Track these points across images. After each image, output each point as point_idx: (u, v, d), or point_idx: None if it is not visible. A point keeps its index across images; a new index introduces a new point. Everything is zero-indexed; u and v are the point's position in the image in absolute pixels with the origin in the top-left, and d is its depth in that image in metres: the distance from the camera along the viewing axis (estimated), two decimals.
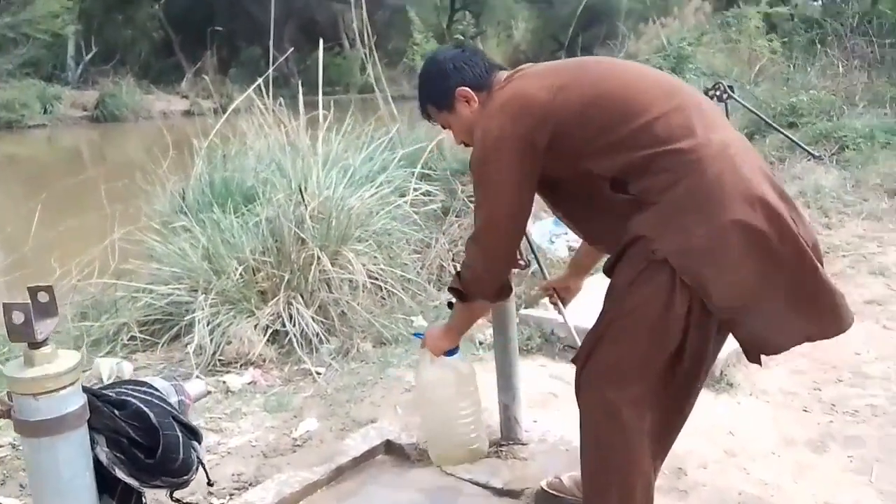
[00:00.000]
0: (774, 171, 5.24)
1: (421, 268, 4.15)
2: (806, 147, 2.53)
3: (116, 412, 1.14)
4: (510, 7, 23.72)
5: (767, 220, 1.34)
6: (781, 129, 2.44)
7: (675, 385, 1.44)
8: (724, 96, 1.88)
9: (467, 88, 1.62)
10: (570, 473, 1.86)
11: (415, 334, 2.03)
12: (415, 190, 4.40)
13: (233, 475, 2.20)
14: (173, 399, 1.25)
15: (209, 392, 2.20)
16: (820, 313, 1.43)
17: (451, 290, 1.72)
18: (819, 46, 8.29)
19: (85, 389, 1.10)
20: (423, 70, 1.71)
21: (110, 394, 1.17)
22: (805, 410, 2.39)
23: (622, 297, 1.41)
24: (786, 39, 8.65)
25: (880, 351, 2.85)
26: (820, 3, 10.56)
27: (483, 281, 1.64)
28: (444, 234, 4.56)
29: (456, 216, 4.69)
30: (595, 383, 1.47)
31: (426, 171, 4.85)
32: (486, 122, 1.52)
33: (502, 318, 2.02)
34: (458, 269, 1.68)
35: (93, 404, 1.11)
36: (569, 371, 2.71)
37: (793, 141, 2.32)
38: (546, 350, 2.81)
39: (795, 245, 1.38)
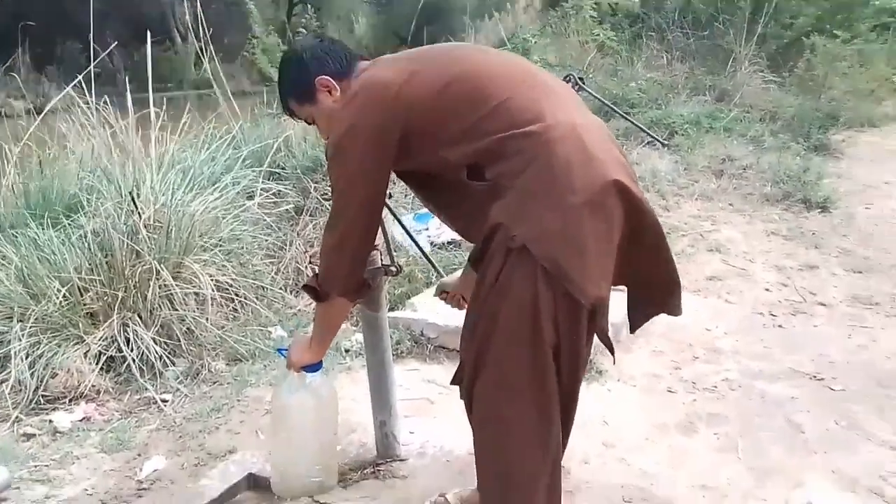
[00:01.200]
0: None
1: (276, 273, 3.89)
2: (654, 136, 2.60)
3: None
4: (349, 2, 23.45)
5: (620, 201, 1.33)
6: (631, 119, 2.49)
7: (561, 383, 1.36)
8: (576, 88, 1.87)
9: (328, 78, 1.52)
10: (455, 491, 1.76)
11: (278, 350, 1.81)
12: (264, 191, 4.13)
13: None
14: None
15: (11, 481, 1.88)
16: (669, 291, 1.49)
17: (305, 287, 1.61)
18: (644, 40, 8.81)
19: None
20: (282, 62, 1.61)
21: None
22: (670, 391, 2.45)
23: (492, 300, 1.33)
24: (612, 34, 9.14)
25: (727, 325, 3.00)
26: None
27: (337, 276, 1.54)
28: (298, 235, 4.32)
29: (310, 216, 4.47)
30: (488, 401, 1.38)
31: (275, 171, 4.58)
32: (340, 111, 1.46)
33: (374, 329, 1.86)
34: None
35: None
36: (442, 374, 2.62)
37: (642, 129, 2.38)
38: (417, 353, 2.69)
39: (651, 220, 1.39)
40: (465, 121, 1.36)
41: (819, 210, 4.52)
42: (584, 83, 2.16)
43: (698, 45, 8.68)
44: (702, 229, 4.23)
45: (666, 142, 2.36)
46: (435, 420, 2.23)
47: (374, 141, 1.40)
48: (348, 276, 1.55)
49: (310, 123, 1.61)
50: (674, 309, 1.50)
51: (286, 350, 1.68)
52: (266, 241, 3.93)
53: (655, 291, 1.48)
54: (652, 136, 2.51)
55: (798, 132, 6.39)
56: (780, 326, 2.99)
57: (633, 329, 1.54)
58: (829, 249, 3.91)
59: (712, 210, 4.60)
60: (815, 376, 2.54)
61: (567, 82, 1.88)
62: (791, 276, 3.51)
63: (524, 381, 1.33)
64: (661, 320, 3.01)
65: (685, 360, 2.66)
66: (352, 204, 1.46)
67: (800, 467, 2.00)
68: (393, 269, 1.84)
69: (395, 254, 2.08)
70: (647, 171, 5.12)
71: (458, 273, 1.95)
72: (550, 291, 1.28)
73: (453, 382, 1.50)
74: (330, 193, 1.52)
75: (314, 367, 1.67)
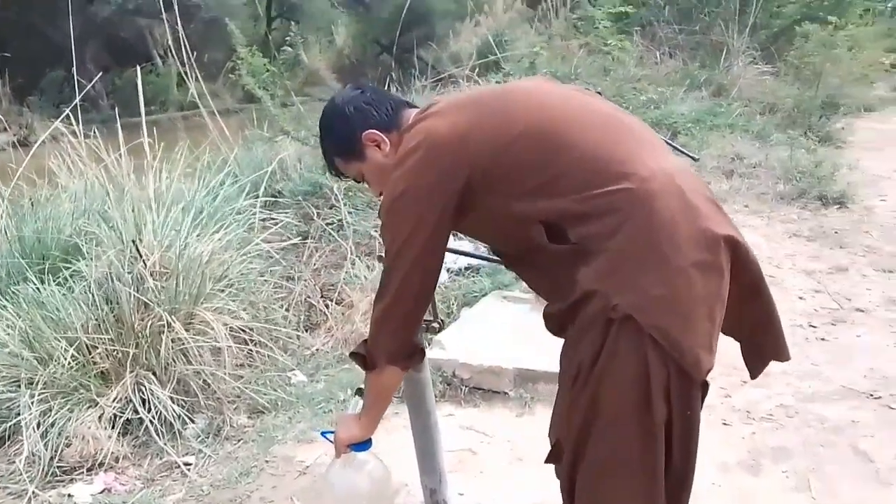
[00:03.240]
0: None
1: (287, 310, 3.75)
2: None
3: None
4: (328, 13, 23.25)
5: (729, 257, 1.20)
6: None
7: (673, 464, 1.24)
8: None
9: (374, 131, 1.39)
10: None
11: (322, 433, 1.64)
12: (267, 221, 3.97)
13: None
14: None
15: None
16: (776, 337, 1.36)
17: (352, 355, 1.46)
18: (633, 36, 8.67)
19: None
20: (323, 119, 1.47)
21: None
22: (725, 423, 2.32)
23: (593, 377, 1.19)
24: (614, 33, 8.99)
25: None
26: None
27: (387, 341, 1.40)
28: (305, 265, 4.20)
29: (315, 243, 4.35)
30: (593, 486, 1.25)
31: (273, 198, 4.44)
32: (393, 169, 1.32)
33: (417, 389, 1.73)
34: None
35: None
36: (480, 418, 2.49)
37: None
38: (450, 395, 2.55)
39: (757, 272, 1.28)
40: (540, 176, 1.22)
41: (836, 206, 4.43)
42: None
43: (687, 39, 8.57)
44: None
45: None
46: (483, 476, 2.10)
47: (430, 201, 1.27)
48: (399, 342, 1.41)
49: (359, 181, 1.48)
50: (782, 354, 1.36)
51: (330, 433, 1.53)
52: (273, 276, 3.80)
53: (765, 336, 1.35)
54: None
55: (800, 123, 6.30)
56: (822, 339, 2.87)
57: (753, 376, 1.40)
58: (855, 248, 3.81)
59: (728, 213, 4.48)
60: (871, 395, 2.43)
61: None
62: (822, 281, 3.41)
63: (634, 464, 1.20)
64: None
65: (734, 386, 2.53)
66: (404, 268, 1.33)
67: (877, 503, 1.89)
68: (435, 325, 1.72)
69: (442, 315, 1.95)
70: None
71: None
72: (661, 362, 1.15)
73: (548, 461, 1.37)
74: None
75: (363, 445, 1.52)
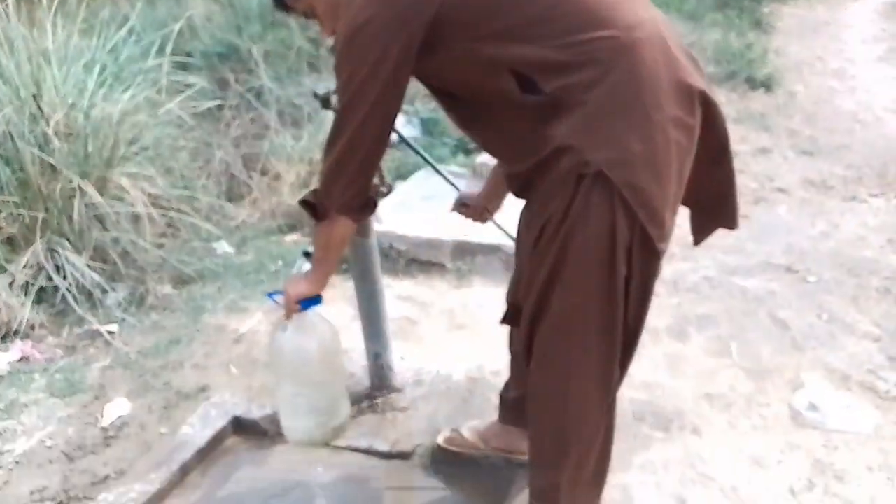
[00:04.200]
0: None
1: (207, 178, 3.57)
2: None
3: None
4: None
5: (700, 113, 1.16)
6: None
7: (626, 320, 1.24)
8: None
9: None
10: (469, 424, 1.65)
11: (268, 295, 1.56)
12: (177, 84, 3.66)
13: (33, 493, 1.70)
14: None
15: None
16: (733, 203, 1.35)
17: (302, 203, 1.36)
18: None
19: None
20: None
21: None
22: (654, 294, 2.40)
23: (562, 234, 1.15)
24: None
25: None
26: None
27: (339, 189, 1.30)
28: (223, 133, 3.97)
29: (232, 110, 4.10)
30: (554, 341, 1.25)
31: (183, 60, 4.08)
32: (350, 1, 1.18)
33: (363, 256, 1.67)
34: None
35: None
36: (416, 289, 2.48)
37: None
38: (387, 268, 2.48)
39: (724, 130, 1.24)
40: (517, 17, 1.12)
41: (763, 89, 4.49)
42: None
43: None
44: None
45: None
46: (423, 343, 2.11)
47: (394, 36, 1.15)
48: (353, 190, 1.30)
49: (308, 17, 1.33)
50: (734, 222, 1.36)
51: (277, 294, 1.46)
52: (190, 144, 3.57)
53: (721, 205, 1.33)
54: None
55: (732, 5, 6.26)
56: (745, 216, 2.92)
57: (697, 242, 1.39)
58: (778, 131, 3.91)
59: None
60: (789, 268, 2.56)
61: None
62: (747, 162, 3.49)
63: (595, 319, 1.20)
64: None
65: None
66: (364, 107, 1.20)
67: (793, 367, 2.02)
68: (383, 189, 1.64)
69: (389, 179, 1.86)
70: None
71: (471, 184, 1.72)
72: (627, 220, 1.12)
73: (503, 322, 1.35)
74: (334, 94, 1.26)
75: (314, 301, 1.44)
